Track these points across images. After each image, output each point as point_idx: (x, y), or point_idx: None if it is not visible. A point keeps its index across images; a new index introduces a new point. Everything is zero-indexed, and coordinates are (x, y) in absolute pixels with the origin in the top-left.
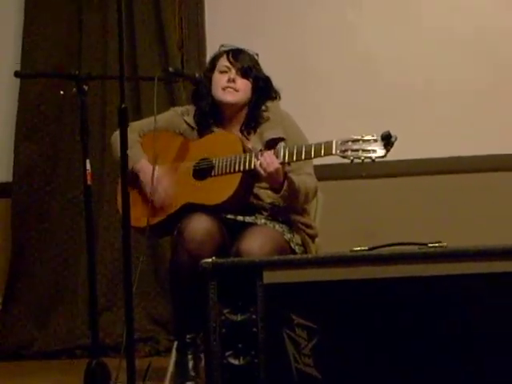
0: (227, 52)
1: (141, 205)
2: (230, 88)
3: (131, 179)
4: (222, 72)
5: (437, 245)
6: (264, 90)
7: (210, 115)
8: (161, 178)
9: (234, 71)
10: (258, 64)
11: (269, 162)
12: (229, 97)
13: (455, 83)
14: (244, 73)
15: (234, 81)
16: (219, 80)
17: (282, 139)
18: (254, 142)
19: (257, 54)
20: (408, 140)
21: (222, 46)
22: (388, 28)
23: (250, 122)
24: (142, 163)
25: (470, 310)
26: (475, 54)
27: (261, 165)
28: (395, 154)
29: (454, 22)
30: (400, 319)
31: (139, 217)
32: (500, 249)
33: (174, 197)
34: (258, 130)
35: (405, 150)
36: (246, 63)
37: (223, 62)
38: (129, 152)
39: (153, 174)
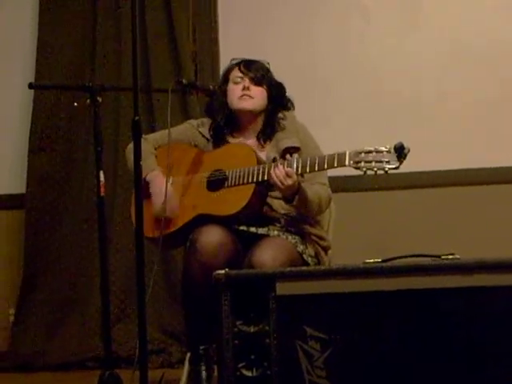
0: (238, 63)
1: (154, 215)
2: (246, 96)
3: (144, 189)
4: (235, 83)
5: (450, 257)
6: (278, 96)
7: (226, 127)
8: (170, 196)
9: (247, 80)
10: (269, 71)
11: (284, 175)
12: (246, 104)
13: (465, 94)
14: (257, 81)
15: (248, 88)
16: (234, 90)
17: (297, 148)
18: (269, 151)
19: (268, 63)
20: (420, 152)
21: (233, 59)
22: (396, 38)
23: (267, 130)
24: (153, 174)
25: (483, 322)
26: (484, 65)
27: (278, 177)
28: (408, 166)
29: (462, 32)
30: (413, 331)
31: (152, 227)
32: None
33: (186, 208)
34: (274, 138)
35: (417, 162)
36: (258, 71)
37: (236, 74)
38: (142, 163)
39: (166, 185)
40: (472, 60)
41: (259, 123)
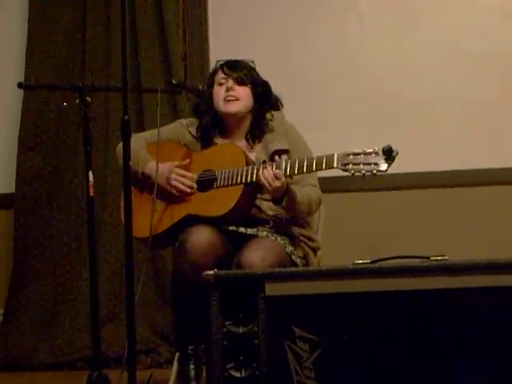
0: (222, 65)
1: (143, 215)
2: (231, 96)
3: (142, 183)
4: (220, 84)
5: (439, 258)
6: (264, 95)
7: (213, 129)
8: (175, 169)
9: (230, 81)
10: (254, 70)
11: (273, 177)
12: (231, 107)
13: (460, 95)
14: (240, 80)
15: (232, 89)
16: (218, 92)
17: (286, 151)
18: (258, 152)
19: (253, 61)
20: (411, 153)
21: (218, 61)
22: (395, 39)
23: (255, 131)
24: (150, 166)
25: (472, 323)
26: (480, 65)
27: (266, 178)
28: (398, 167)
29: (455, 32)
30: (402, 332)
31: (142, 227)
32: (503, 262)
33: (175, 208)
34: (263, 140)
35: (408, 163)
36: (241, 71)
37: (220, 75)
38: (136, 158)
39: (156, 181)
40: (471, 60)
41: (247, 124)
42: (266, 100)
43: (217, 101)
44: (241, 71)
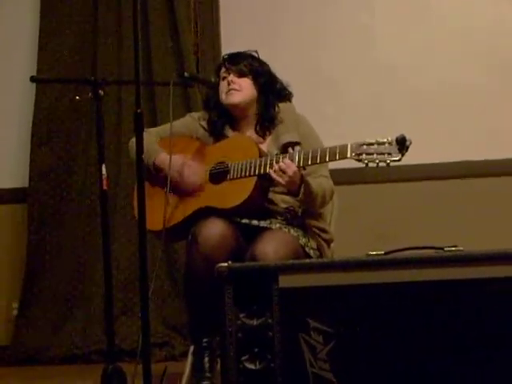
0: (224, 60)
1: (157, 208)
2: (232, 90)
3: (154, 175)
4: (223, 79)
5: (453, 249)
6: (267, 84)
7: (222, 122)
8: (188, 162)
9: (231, 74)
10: (255, 60)
11: (284, 168)
12: (231, 98)
13: (471, 87)
14: (240, 73)
15: (232, 82)
16: (222, 87)
17: (297, 143)
18: (269, 145)
19: (256, 52)
20: (424, 144)
21: (224, 55)
22: (402, 32)
23: (264, 122)
24: (162, 156)
25: (486, 313)
26: (490, 57)
27: (277, 173)
28: (411, 159)
29: (466, 22)
30: (416, 323)
31: (155, 220)
32: None
33: (189, 201)
34: (274, 132)
35: (421, 155)
36: (241, 63)
37: (222, 70)
38: (147, 152)
39: (168, 177)
40: (476, 51)
41: (253, 115)
42: (270, 89)
43: (221, 95)
44: (240, 63)
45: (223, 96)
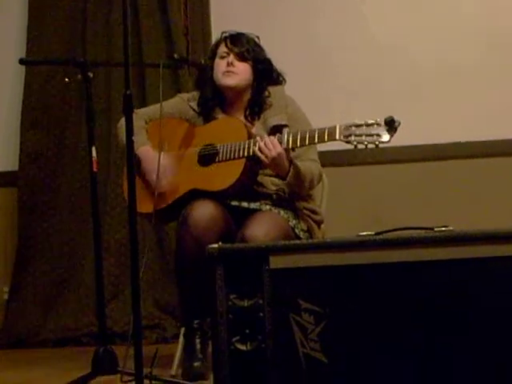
0: (225, 38)
1: (146, 191)
2: (230, 72)
3: (136, 165)
4: (221, 57)
5: (443, 229)
6: (265, 72)
7: (213, 101)
8: (165, 168)
9: (232, 56)
10: (257, 46)
11: (270, 147)
12: (229, 80)
13: (463, 68)
14: (242, 56)
15: (232, 64)
16: (219, 65)
17: (285, 126)
18: (258, 128)
19: (257, 37)
20: (414, 125)
21: (223, 32)
22: (399, 11)
23: (254, 107)
24: (142, 150)
25: (476, 293)
26: (483, 38)
27: (262, 151)
28: (401, 140)
29: (462, 4)
30: (407, 303)
31: (145, 203)
32: (506, 232)
33: (178, 183)
34: (262, 116)
35: (411, 136)
36: (243, 47)
37: (222, 49)
38: (134, 138)
39: (159, 160)
40: (470, 32)
41: (245, 100)
42: (266, 77)
43: (216, 73)
44: (243, 46)
45: (219, 75)
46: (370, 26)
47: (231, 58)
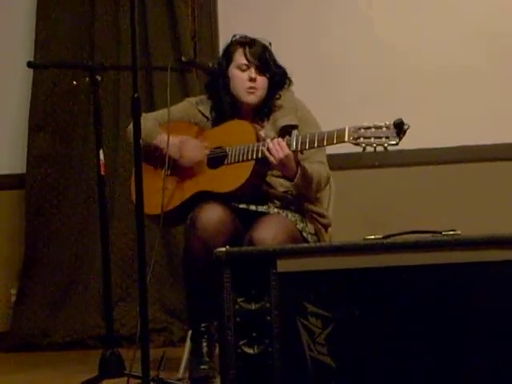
0: (242, 45)
1: (154, 193)
2: (253, 88)
3: (152, 155)
4: (241, 70)
5: (451, 233)
6: (279, 83)
7: (232, 111)
8: (187, 138)
9: (253, 70)
10: (272, 54)
11: (278, 148)
12: (252, 98)
13: (473, 71)
14: (262, 70)
15: (255, 80)
16: (241, 79)
17: (295, 126)
18: (267, 130)
19: (270, 43)
20: (422, 129)
21: (234, 36)
22: (401, 15)
23: (263, 110)
24: (161, 137)
25: (484, 297)
26: (499, 39)
27: (270, 151)
28: (409, 143)
29: (474, 6)
30: (414, 307)
31: (153, 205)
32: None
33: (186, 185)
34: (271, 118)
35: (419, 139)
36: (262, 59)
37: (241, 60)
38: (147, 134)
39: (167, 156)
40: (475, 35)
41: (257, 106)
42: (279, 87)
43: (238, 87)
44: (262, 58)
45: (242, 92)
46: (378, 30)
47: (253, 72)
